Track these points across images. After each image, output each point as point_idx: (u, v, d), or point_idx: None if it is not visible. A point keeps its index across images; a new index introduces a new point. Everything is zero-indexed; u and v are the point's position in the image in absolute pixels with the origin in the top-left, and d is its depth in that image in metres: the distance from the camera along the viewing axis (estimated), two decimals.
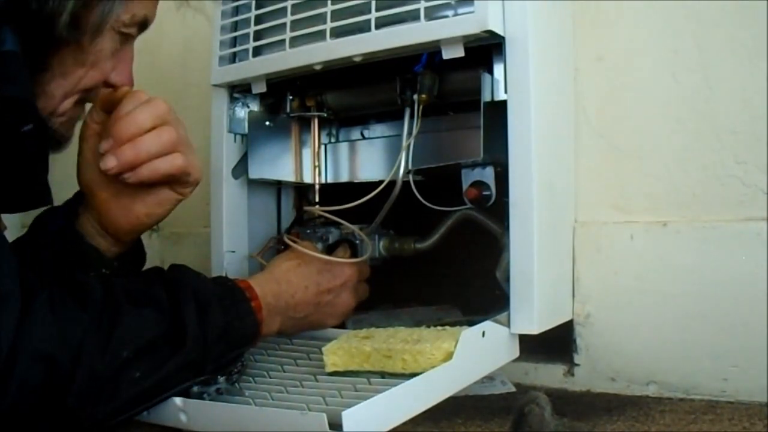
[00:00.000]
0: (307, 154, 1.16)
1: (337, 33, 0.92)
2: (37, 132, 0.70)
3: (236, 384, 0.79)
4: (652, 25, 0.98)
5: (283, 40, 0.96)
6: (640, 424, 0.82)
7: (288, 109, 1.11)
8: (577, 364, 0.99)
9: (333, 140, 1.19)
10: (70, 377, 0.65)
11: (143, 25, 0.80)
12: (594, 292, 0.98)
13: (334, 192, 1.12)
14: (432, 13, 0.86)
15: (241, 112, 1.09)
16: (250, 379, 0.82)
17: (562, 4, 0.99)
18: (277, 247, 1.09)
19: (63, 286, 0.71)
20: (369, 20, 0.89)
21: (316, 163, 1.15)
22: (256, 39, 1.00)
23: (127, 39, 0.80)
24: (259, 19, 1.00)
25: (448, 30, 0.85)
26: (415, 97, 0.94)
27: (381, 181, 0.95)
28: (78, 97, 0.78)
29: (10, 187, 0.72)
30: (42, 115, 0.73)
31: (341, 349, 0.80)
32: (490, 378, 0.97)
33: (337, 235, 1.05)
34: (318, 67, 0.95)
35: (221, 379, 0.78)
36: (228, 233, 1.07)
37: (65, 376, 0.65)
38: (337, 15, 0.92)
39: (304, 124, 1.15)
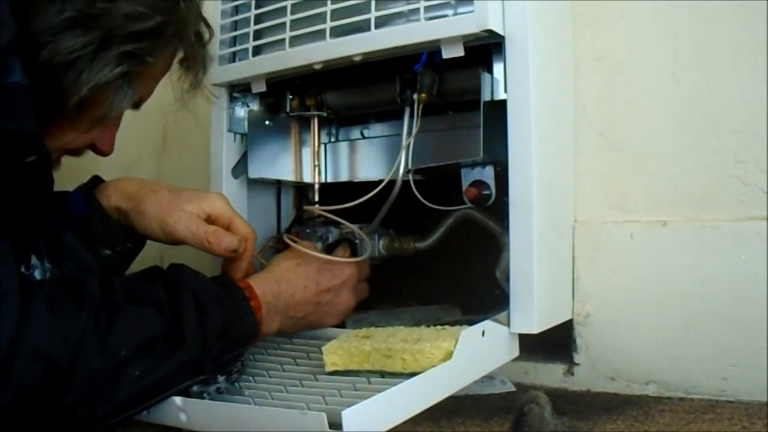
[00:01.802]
0: (306, 153, 1.16)
1: (337, 32, 0.92)
2: (41, 162, 0.73)
3: (236, 383, 0.79)
4: (652, 25, 0.98)
5: (283, 40, 0.96)
6: (640, 423, 0.82)
7: (288, 109, 1.11)
8: (577, 364, 0.99)
9: (333, 139, 1.19)
10: (68, 375, 0.65)
11: (139, 103, 0.84)
12: (594, 292, 0.98)
13: (333, 191, 1.12)
14: (432, 13, 0.86)
15: (241, 112, 1.09)
16: (250, 378, 0.82)
17: (562, 3, 0.99)
18: (276, 246, 1.09)
19: (61, 285, 0.71)
20: (369, 20, 0.89)
21: (316, 163, 1.15)
22: (255, 38, 1.00)
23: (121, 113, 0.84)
24: (258, 19, 1.00)
25: (448, 29, 0.85)
26: (415, 96, 0.94)
27: (381, 181, 0.95)
28: (62, 153, 0.82)
29: (16, 214, 0.74)
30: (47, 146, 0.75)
31: (341, 349, 0.80)
32: (489, 377, 0.97)
33: (336, 234, 1.05)
34: (318, 67, 0.95)
35: (221, 378, 0.78)
36: None
37: (64, 374, 0.65)
38: (336, 14, 0.92)
39: (304, 124, 1.15)
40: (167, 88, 0.91)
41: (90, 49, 0.71)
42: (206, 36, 0.88)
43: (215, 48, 1.03)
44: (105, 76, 0.73)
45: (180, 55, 0.84)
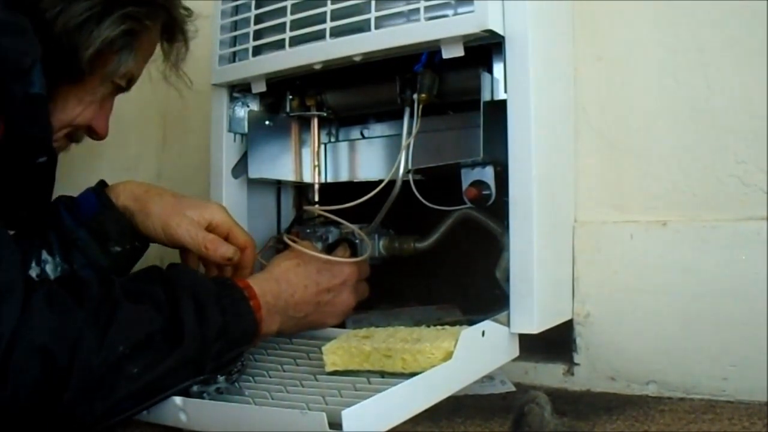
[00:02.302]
0: (306, 153, 1.16)
1: (337, 32, 0.92)
2: (49, 162, 0.79)
3: (236, 383, 0.79)
4: (652, 25, 0.97)
5: (283, 40, 0.96)
6: (640, 423, 0.82)
7: (288, 109, 1.11)
8: (577, 364, 0.99)
9: (333, 140, 1.19)
10: (67, 372, 0.65)
11: (131, 81, 0.91)
12: (594, 292, 0.98)
13: (333, 191, 1.12)
14: (432, 13, 0.86)
15: (241, 112, 1.09)
16: (250, 378, 0.82)
17: (562, 3, 0.99)
18: (276, 246, 1.09)
19: (62, 284, 0.71)
20: (369, 20, 0.89)
21: (316, 163, 1.15)
22: (255, 38, 1.01)
23: (115, 91, 0.90)
24: (258, 19, 1.00)
25: (448, 29, 0.85)
26: (415, 96, 0.94)
27: (381, 181, 0.95)
28: (68, 131, 0.87)
29: (19, 208, 0.79)
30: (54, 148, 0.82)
31: (341, 349, 0.80)
32: (489, 377, 0.97)
33: (336, 234, 1.05)
34: (318, 67, 0.95)
35: (221, 378, 0.78)
36: None
37: (62, 370, 0.65)
38: (336, 14, 0.92)
39: (304, 124, 1.15)
40: (166, 88, 0.92)
41: (95, 11, 0.80)
42: (186, 13, 0.93)
43: (213, 65, 1.04)
44: (113, 32, 0.81)
45: (165, 36, 0.91)
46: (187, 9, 0.93)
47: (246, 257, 0.92)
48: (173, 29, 0.91)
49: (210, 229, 0.91)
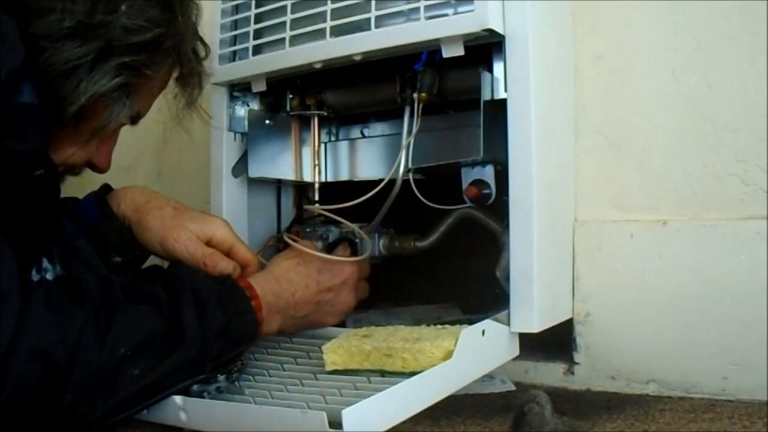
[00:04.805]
0: (307, 152, 1.16)
1: (337, 31, 0.92)
2: (49, 175, 0.75)
3: (236, 382, 0.80)
4: (652, 24, 0.98)
5: (283, 39, 0.96)
6: (640, 422, 0.82)
7: (288, 108, 1.11)
8: (577, 363, 0.99)
9: (333, 139, 1.20)
10: (67, 373, 0.65)
11: (137, 118, 0.85)
12: (594, 291, 0.98)
13: (334, 190, 1.12)
14: (432, 12, 0.86)
15: (241, 111, 1.09)
16: (250, 377, 0.82)
17: (563, 2, 0.99)
18: (277, 245, 1.09)
19: (60, 284, 0.71)
20: (369, 19, 0.89)
21: (316, 162, 1.15)
22: (255, 37, 1.01)
23: (118, 128, 0.85)
24: (258, 18, 1.00)
25: (448, 28, 0.85)
26: (415, 95, 0.94)
27: (381, 180, 0.95)
28: (63, 170, 0.82)
29: (25, 220, 0.75)
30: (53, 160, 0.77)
31: (341, 348, 0.80)
32: (490, 376, 0.98)
33: (337, 233, 1.05)
34: (318, 66, 0.95)
35: (221, 377, 0.78)
36: None
37: (63, 372, 0.65)
38: (336, 13, 0.92)
39: (304, 123, 1.15)
40: (166, 88, 0.91)
41: (88, 59, 0.73)
42: (202, 53, 0.88)
43: (213, 64, 1.03)
44: (103, 87, 0.74)
45: (176, 72, 0.85)
46: (205, 45, 0.88)
47: (247, 275, 0.88)
48: (183, 72, 0.85)
49: (211, 245, 0.87)
